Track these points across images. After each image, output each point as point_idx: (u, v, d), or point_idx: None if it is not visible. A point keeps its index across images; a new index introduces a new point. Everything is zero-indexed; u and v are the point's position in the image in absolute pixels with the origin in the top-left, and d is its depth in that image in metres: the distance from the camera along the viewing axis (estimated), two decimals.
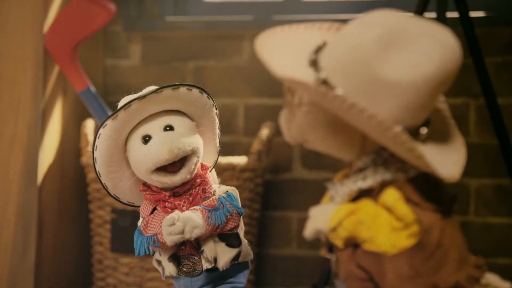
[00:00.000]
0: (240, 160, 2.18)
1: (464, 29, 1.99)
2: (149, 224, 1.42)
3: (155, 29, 2.48)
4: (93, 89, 2.23)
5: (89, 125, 2.19)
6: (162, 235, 1.39)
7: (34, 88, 2.07)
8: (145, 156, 1.39)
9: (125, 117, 1.39)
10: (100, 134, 1.40)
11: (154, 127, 1.41)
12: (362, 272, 1.11)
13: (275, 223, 2.43)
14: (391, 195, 1.08)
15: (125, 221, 2.14)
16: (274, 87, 2.40)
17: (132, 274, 2.17)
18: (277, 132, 2.32)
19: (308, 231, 1.11)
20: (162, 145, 1.38)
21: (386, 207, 1.07)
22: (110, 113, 2.19)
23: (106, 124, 1.39)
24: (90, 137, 2.16)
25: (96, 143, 1.40)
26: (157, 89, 1.39)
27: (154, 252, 1.44)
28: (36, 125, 2.07)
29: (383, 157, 1.11)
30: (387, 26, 1.04)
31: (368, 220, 1.07)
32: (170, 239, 1.37)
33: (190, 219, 1.38)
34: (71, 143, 2.26)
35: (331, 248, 1.15)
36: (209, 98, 1.46)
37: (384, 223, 1.07)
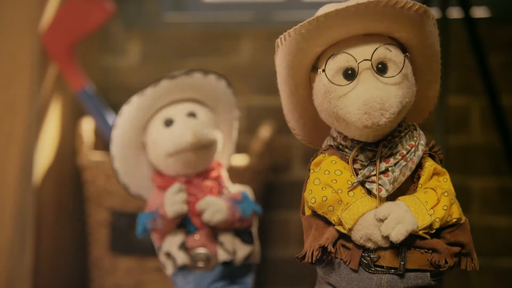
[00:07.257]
0: (240, 160, 2.17)
1: (467, 27, 1.99)
2: (149, 203, 1.39)
3: (154, 28, 2.47)
4: (91, 88, 2.22)
5: (85, 124, 2.18)
6: (163, 207, 1.35)
7: (30, 88, 2.06)
8: (167, 139, 1.37)
9: (152, 95, 1.37)
10: (123, 111, 1.37)
11: (177, 112, 1.40)
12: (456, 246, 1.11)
13: (274, 224, 2.41)
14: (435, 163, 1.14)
15: (124, 223, 2.12)
16: (273, 86, 2.39)
17: (130, 276, 2.15)
18: (277, 132, 2.31)
19: (401, 236, 1.06)
20: (186, 129, 1.37)
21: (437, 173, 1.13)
22: (108, 113, 2.20)
23: (131, 101, 1.37)
24: (86, 137, 2.15)
25: (116, 122, 1.38)
26: (187, 71, 1.38)
27: (151, 231, 1.39)
28: (33, 125, 2.06)
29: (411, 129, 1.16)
30: None
31: (454, 198, 1.10)
32: (172, 209, 1.33)
33: (214, 203, 1.35)
34: (68, 143, 2.25)
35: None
36: (234, 96, 1.46)
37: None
